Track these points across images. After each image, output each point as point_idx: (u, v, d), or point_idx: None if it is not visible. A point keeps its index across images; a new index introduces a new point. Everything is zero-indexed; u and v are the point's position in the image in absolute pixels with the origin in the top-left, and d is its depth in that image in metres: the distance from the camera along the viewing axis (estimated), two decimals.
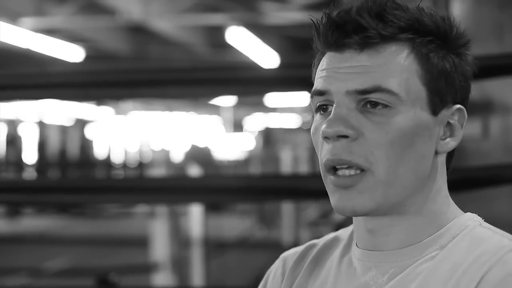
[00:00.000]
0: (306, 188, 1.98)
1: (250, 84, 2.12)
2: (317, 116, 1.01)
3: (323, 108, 1.00)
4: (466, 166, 2.01)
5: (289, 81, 2.04)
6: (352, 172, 0.96)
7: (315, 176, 2.22)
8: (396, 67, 0.96)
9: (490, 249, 0.94)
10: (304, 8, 10.74)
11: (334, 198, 0.98)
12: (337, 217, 8.73)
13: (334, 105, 0.97)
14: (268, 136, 19.70)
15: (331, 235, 1.14)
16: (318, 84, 1.00)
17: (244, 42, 11.89)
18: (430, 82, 0.98)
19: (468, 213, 1.03)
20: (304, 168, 11.22)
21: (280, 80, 2.05)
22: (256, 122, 25.29)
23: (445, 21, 1.00)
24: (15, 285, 7.35)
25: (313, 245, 1.14)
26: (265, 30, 12.34)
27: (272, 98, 19.69)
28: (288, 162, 11.18)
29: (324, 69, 1.00)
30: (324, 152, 0.97)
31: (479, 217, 1.02)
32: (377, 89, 0.95)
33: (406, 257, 0.99)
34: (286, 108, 23.11)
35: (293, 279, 1.11)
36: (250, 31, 11.61)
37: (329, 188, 0.99)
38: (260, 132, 21.51)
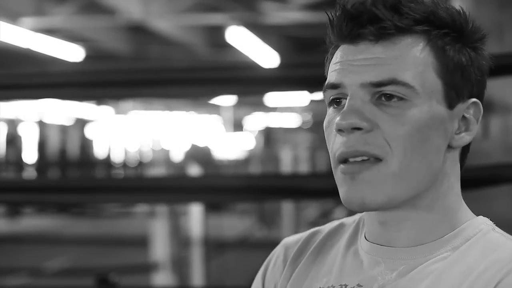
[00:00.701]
0: (306, 188, 1.98)
1: (250, 84, 2.12)
2: (330, 110, 1.00)
3: (336, 102, 0.99)
4: (466, 166, 2.01)
5: (289, 81, 2.04)
6: (365, 158, 0.94)
7: (315, 176, 2.22)
8: (412, 59, 0.96)
9: (506, 256, 0.94)
10: (304, 8, 10.74)
11: (342, 190, 0.96)
12: (337, 216, 8.73)
13: (348, 97, 0.96)
14: (268, 136, 19.72)
15: (335, 222, 1.12)
16: (331, 77, 0.99)
17: (244, 42, 11.88)
18: (446, 75, 0.97)
19: (481, 217, 1.02)
20: (304, 167, 11.21)
21: (280, 80, 2.05)
22: (256, 121, 25.29)
23: (460, 14, 0.99)
24: (15, 285, 7.35)
25: (317, 232, 1.12)
26: (265, 30, 12.33)
27: (272, 98, 19.69)
28: (288, 161, 11.18)
29: (338, 61, 0.99)
30: (337, 145, 0.96)
31: (491, 222, 1.02)
32: (392, 82, 0.94)
33: (418, 256, 0.98)
34: (286, 108, 23.11)
35: (294, 266, 1.09)
36: (250, 31, 11.61)
37: (338, 179, 0.97)
38: (260, 131, 21.52)
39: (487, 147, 2.36)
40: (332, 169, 0.98)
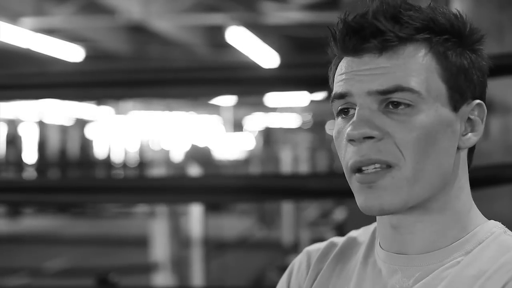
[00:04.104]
0: (306, 188, 1.98)
1: (250, 84, 2.12)
2: (339, 120, 1.01)
3: (344, 112, 1.00)
4: None
5: (289, 81, 2.04)
6: (378, 166, 0.96)
7: (315, 176, 2.22)
8: (415, 66, 0.97)
9: None
10: (304, 8, 10.74)
11: (360, 198, 0.98)
12: (337, 217, 8.74)
13: (357, 107, 0.97)
14: (268, 136, 19.75)
15: (353, 234, 1.14)
16: (338, 87, 1.00)
17: (244, 42, 11.88)
18: (450, 79, 0.99)
19: (492, 220, 1.04)
20: (304, 168, 11.22)
21: (280, 80, 2.06)
22: (256, 121, 25.30)
23: (458, 18, 1.01)
24: (15, 285, 7.36)
25: (336, 243, 1.14)
26: (265, 30, 12.34)
27: (272, 98, 19.70)
28: (288, 162, 11.19)
29: (344, 73, 1.00)
30: (350, 154, 0.98)
31: (503, 225, 1.03)
32: (397, 89, 0.96)
33: (432, 262, 1.00)
34: (286, 108, 23.12)
35: (316, 274, 1.12)
36: (250, 31, 11.61)
37: (354, 187, 0.99)
38: (260, 131, 21.56)
39: (487, 147, 2.36)
40: (347, 178, 1.00)
